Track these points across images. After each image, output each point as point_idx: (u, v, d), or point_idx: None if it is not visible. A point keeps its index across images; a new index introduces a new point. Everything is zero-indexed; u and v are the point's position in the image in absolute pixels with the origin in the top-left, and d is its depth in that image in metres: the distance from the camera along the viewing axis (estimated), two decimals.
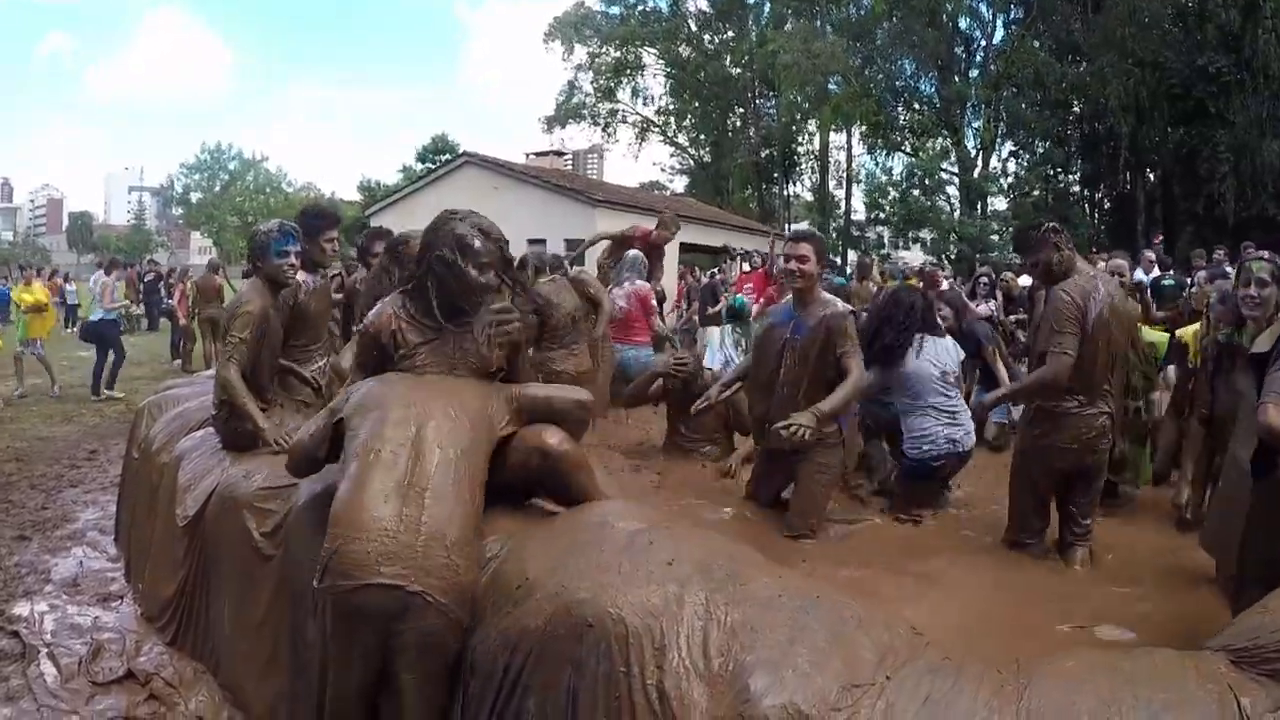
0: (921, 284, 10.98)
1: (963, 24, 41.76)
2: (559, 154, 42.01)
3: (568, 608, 2.89)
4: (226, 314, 5.36)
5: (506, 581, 3.19)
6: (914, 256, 44.61)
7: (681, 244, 28.17)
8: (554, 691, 2.87)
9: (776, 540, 5.31)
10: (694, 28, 49.02)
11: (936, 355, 6.25)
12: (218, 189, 77.48)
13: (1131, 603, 4.52)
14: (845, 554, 5.27)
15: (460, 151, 37.54)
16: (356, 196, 65.67)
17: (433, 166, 39.96)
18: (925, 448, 6.05)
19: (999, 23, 42.18)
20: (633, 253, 9.94)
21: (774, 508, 5.89)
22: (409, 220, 26.77)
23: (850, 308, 5.81)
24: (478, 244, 3.85)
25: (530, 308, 7.29)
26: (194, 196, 78.48)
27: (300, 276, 5.78)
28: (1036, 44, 38.35)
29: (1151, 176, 38.79)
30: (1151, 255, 15.34)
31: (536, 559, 3.21)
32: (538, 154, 37.63)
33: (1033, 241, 5.40)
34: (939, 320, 6.73)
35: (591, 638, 2.80)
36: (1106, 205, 42.81)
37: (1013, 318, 12.05)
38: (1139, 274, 13.71)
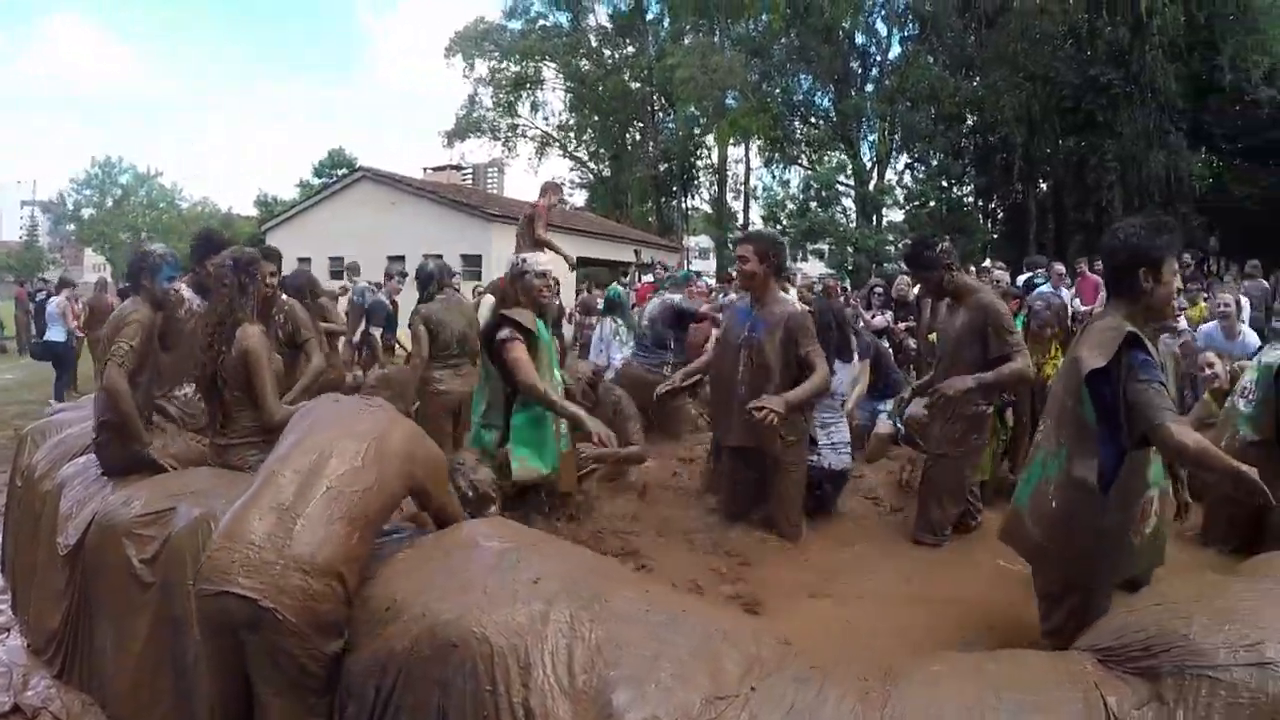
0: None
1: (859, 39, 42.36)
2: (457, 168, 41.96)
3: (433, 629, 2.91)
4: (112, 324, 5.25)
5: (376, 604, 3.20)
6: (813, 268, 45.12)
7: (580, 258, 28.28)
8: (423, 713, 2.88)
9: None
10: (594, 43, 49.10)
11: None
12: (110, 205, 75.59)
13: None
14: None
15: (357, 166, 37.35)
16: (253, 212, 64.91)
17: (330, 181, 39.68)
18: None
19: (894, 39, 42.94)
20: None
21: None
22: (303, 236, 26.66)
23: (807, 308, 6.04)
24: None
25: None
26: (85, 213, 76.48)
27: (186, 294, 5.89)
28: (931, 59, 39.08)
29: (1044, 186, 39.82)
30: (1061, 268, 15.63)
31: (405, 580, 3.23)
32: (435, 169, 37.51)
33: (928, 260, 5.76)
34: (852, 345, 6.89)
35: (457, 658, 2.82)
36: (1000, 214, 43.72)
37: (903, 325, 12.18)
38: (1047, 288, 14.06)
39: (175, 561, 4.04)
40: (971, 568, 5.36)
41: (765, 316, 5.70)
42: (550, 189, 11.65)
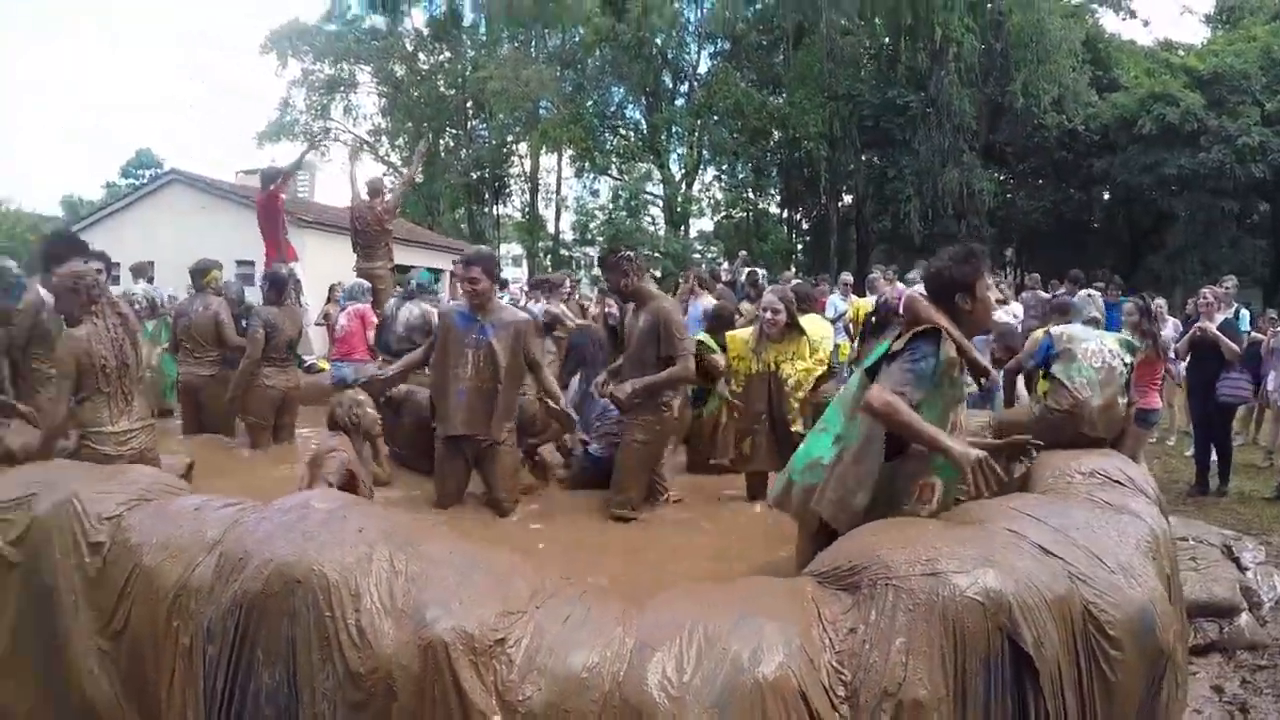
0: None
1: (670, 54, 43.11)
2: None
3: (280, 570, 3.50)
4: None
5: (230, 556, 3.75)
6: None
7: (396, 266, 28.41)
8: (275, 639, 3.47)
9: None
10: (409, 48, 48.59)
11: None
12: None
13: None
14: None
15: (167, 169, 36.58)
16: (59, 213, 62.82)
17: (139, 183, 38.85)
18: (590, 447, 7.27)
19: (704, 55, 44.08)
20: (358, 281, 10.79)
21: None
22: (112, 239, 26.14)
23: (529, 315, 6.91)
24: None
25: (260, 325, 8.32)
26: None
27: (45, 295, 6.26)
28: (739, 75, 40.20)
29: (846, 199, 41.40)
30: (848, 277, 16.64)
31: (252, 536, 3.80)
32: (247, 172, 37.07)
33: (609, 265, 6.76)
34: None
35: (301, 591, 3.42)
36: (804, 225, 45.34)
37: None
38: (835, 297, 15.00)
39: (42, 538, 4.44)
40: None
41: (493, 322, 6.56)
42: (379, 186, 12.32)
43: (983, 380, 4.83)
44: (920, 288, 5.30)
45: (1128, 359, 6.02)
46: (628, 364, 6.73)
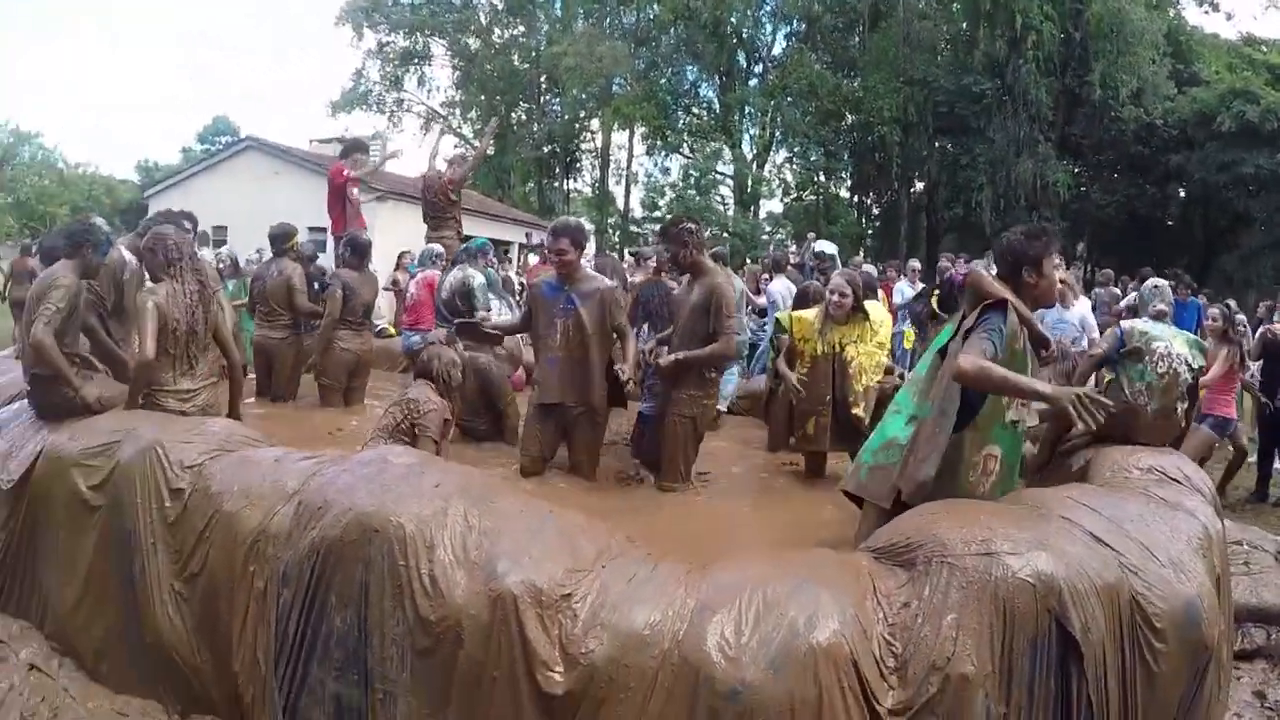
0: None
1: (745, 33, 42.91)
2: (342, 140, 41.39)
3: (359, 519, 3.68)
4: (40, 288, 5.66)
5: (310, 505, 3.94)
6: None
7: (465, 236, 28.55)
8: (349, 584, 3.65)
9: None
10: (484, 21, 48.53)
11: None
12: None
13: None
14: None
15: (243, 136, 36.86)
16: (134, 177, 63.40)
17: (213, 149, 39.12)
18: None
19: (779, 35, 43.76)
20: (430, 247, 10.91)
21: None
22: (186, 203, 26.33)
23: (615, 283, 7.05)
24: None
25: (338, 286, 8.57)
26: None
27: (127, 256, 6.53)
28: (813, 57, 39.99)
29: (919, 186, 40.99)
30: (916, 264, 16.61)
31: (332, 486, 3.99)
32: (321, 141, 37.28)
33: (671, 235, 6.80)
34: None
35: (378, 540, 3.60)
36: (875, 211, 44.97)
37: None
38: (903, 284, 14.96)
39: (125, 483, 4.67)
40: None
41: (580, 291, 6.63)
42: (456, 159, 12.46)
43: (1043, 351, 4.92)
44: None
45: (1195, 364, 5.95)
46: (678, 336, 6.82)
